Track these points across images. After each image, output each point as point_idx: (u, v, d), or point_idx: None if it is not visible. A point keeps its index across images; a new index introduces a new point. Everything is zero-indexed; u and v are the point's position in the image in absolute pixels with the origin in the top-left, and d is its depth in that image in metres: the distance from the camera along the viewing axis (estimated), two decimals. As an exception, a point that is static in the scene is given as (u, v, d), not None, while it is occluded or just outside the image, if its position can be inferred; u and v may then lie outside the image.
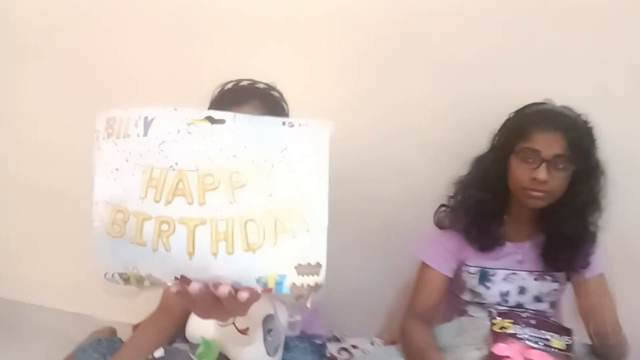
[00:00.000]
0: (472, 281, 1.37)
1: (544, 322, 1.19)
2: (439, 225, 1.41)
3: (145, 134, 0.73)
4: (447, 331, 1.32)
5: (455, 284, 1.41)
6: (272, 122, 0.75)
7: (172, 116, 0.74)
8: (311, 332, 1.43)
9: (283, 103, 1.24)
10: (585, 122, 1.28)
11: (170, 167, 0.72)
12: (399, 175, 1.58)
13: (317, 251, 0.73)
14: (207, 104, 1.22)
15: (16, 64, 1.79)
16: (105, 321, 1.63)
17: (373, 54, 1.52)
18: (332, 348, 1.49)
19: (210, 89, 1.23)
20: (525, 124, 1.26)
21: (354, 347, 1.53)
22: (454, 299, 1.43)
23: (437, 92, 1.51)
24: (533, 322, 1.19)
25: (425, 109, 1.53)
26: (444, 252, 1.37)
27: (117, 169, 0.74)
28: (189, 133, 0.73)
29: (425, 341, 1.26)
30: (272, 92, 1.22)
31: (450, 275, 1.38)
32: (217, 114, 0.74)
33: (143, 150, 0.73)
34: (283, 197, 0.73)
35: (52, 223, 1.89)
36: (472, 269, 1.36)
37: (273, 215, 0.72)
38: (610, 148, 1.33)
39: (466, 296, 1.39)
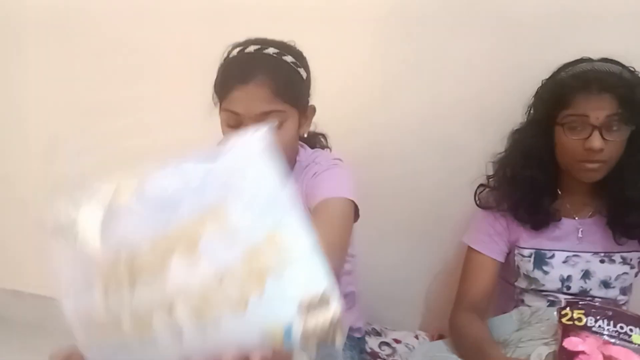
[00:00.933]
0: (526, 265, 1.22)
1: (622, 314, 1.04)
2: (483, 206, 1.26)
3: None
4: (505, 324, 1.17)
5: (507, 270, 1.27)
6: (200, 170, 0.64)
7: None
8: (348, 326, 1.30)
9: (299, 69, 1.08)
10: (632, 74, 1.11)
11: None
12: (441, 153, 1.45)
13: (315, 279, 0.60)
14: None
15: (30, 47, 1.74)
16: None
17: (416, 15, 1.38)
18: (372, 343, 1.37)
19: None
20: (564, 90, 1.11)
21: (397, 341, 1.40)
22: (507, 287, 1.29)
23: (488, 58, 1.37)
24: (609, 313, 1.03)
25: (473, 76, 1.39)
26: (492, 234, 1.24)
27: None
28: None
29: (481, 335, 1.13)
30: (283, 59, 1.06)
31: (502, 259, 1.24)
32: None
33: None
34: (249, 238, 0.60)
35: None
36: (526, 252, 1.22)
37: (248, 262, 0.60)
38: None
39: (521, 283, 1.24)
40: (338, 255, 1.02)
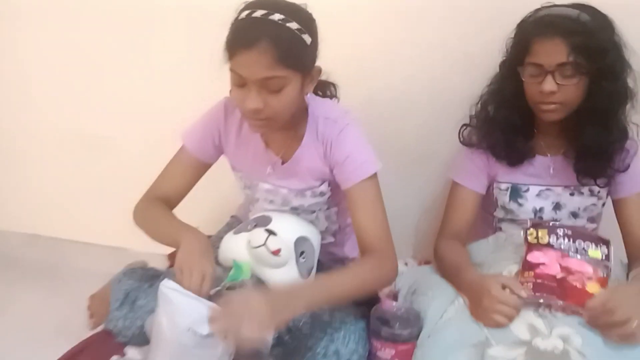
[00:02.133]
0: (503, 198, 1.34)
1: (580, 233, 1.17)
2: (466, 143, 1.38)
3: None
4: (482, 248, 1.32)
5: (487, 202, 1.40)
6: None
7: None
8: (343, 255, 1.45)
9: (304, 35, 1.12)
10: (596, 18, 1.17)
11: None
12: (428, 94, 1.56)
13: None
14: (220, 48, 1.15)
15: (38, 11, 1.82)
16: (140, 253, 1.68)
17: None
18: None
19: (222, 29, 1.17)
20: (525, 36, 1.21)
21: (389, 268, 1.54)
22: (487, 217, 1.42)
23: (471, 4, 1.47)
24: (570, 232, 1.16)
25: (455, 23, 1.49)
26: (474, 169, 1.36)
27: None
28: None
29: (460, 258, 1.26)
30: (288, 25, 1.10)
31: (483, 192, 1.37)
32: None
33: None
34: None
35: (83, 165, 1.97)
36: (503, 185, 1.34)
37: None
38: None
39: (499, 213, 1.37)
40: (385, 227, 1.24)
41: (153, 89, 1.79)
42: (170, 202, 1.33)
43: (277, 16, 1.09)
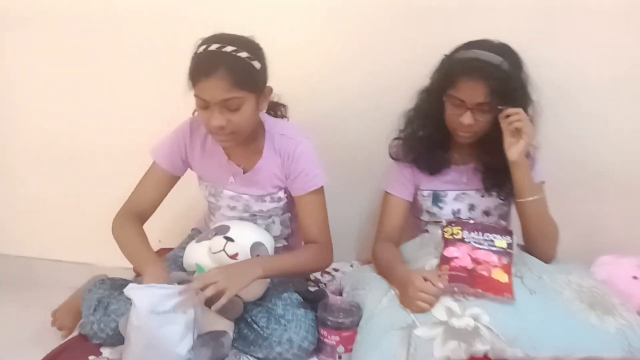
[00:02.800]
0: (426, 203, 1.56)
1: (488, 226, 1.39)
2: (395, 157, 1.57)
3: None
4: (410, 247, 1.53)
5: (415, 208, 1.61)
6: None
7: None
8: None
9: (253, 62, 1.33)
10: (513, 63, 1.37)
11: None
12: (371, 114, 1.77)
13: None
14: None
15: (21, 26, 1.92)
16: (105, 268, 1.79)
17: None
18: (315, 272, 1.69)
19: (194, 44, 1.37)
20: (452, 72, 1.39)
21: (335, 270, 1.74)
22: (416, 221, 1.63)
23: (410, 34, 1.69)
24: (479, 226, 1.38)
25: (397, 50, 1.71)
26: (402, 180, 1.56)
27: None
28: None
29: (391, 256, 1.46)
30: (239, 55, 1.31)
31: (410, 199, 1.57)
32: None
33: None
34: None
35: (51, 183, 2.06)
36: (425, 192, 1.56)
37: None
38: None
39: (425, 217, 1.59)
40: (326, 228, 1.51)
41: (122, 111, 1.92)
42: (145, 214, 1.52)
43: (229, 48, 1.31)
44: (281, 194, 1.52)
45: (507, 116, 1.35)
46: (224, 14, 1.74)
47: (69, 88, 1.94)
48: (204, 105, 1.32)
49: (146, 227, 1.51)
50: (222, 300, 1.22)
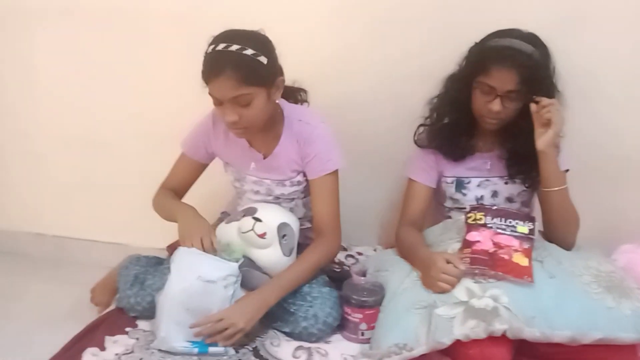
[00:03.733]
0: (450, 189, 1.60)
1: (510, 213, 1.43)
2: (419, 144, 1.61)
3: None
4: (433, 232, 1.57)
5: (439, 194, 1.65)
6: None
7: None
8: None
9: (260, 57, 1.37)
10: (543, 53, 1.40)
11: None
12: (391, 102, 1.80)
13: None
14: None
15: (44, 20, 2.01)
16: (137, 248, 1.88)
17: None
18: (339, 256, 1.74)
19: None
20: (483, 59, 1.42)
21: (359, 253, 1.79)
22: (439, 207, 1.67)
23: (428, 21, 1.71)
24: (502, 212, 1.42)
25: (413, 40, 1.73)
26: (425, 167, 1.60)
27: None
28: None
29: (415, 240, 1.51)
30: (244, 53, 1.35)
31: (434, 186, 1.61)
32: None
33: None
34: None
35: (87, 166, 2.16)
36: (449, 179, 1.59)
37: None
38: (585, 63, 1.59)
39: (448, 203, 1.62)
40: (336, 214, 1.54)
41: (151, 96, 2.00)
42: (178, 194, 1.63)
43: (234, 47, 1.36)
44: (300, 178, 1.57)
45: (542, 106, 1.37)
46: (240, 2, 1.79)
47: (102, 78, 2.03)
48: (217, 102, 1.41)
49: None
50: (237, 338, 1.32)
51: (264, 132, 1.53)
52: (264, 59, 1.38)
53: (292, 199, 1.60)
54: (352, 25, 1.78)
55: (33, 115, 2.16)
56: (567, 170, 1.51)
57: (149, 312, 1.44)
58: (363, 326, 1.40)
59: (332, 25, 1.79)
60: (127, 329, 1.44)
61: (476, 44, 1.48)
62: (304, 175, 1.57)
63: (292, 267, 1.44)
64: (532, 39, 1.41)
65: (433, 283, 1.32)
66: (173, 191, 1.63)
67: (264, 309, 1.35)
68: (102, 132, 2.10)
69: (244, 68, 1.35)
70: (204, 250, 1.38)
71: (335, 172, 1.53)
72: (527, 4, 1.63)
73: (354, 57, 1.80)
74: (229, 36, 1.39)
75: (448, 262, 1.32)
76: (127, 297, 1.49)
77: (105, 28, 1.97)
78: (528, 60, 1.37)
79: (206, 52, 1.40)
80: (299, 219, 1.56)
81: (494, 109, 1.41)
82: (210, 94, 1.40)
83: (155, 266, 1.58)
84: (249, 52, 1.36)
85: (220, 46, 1.37)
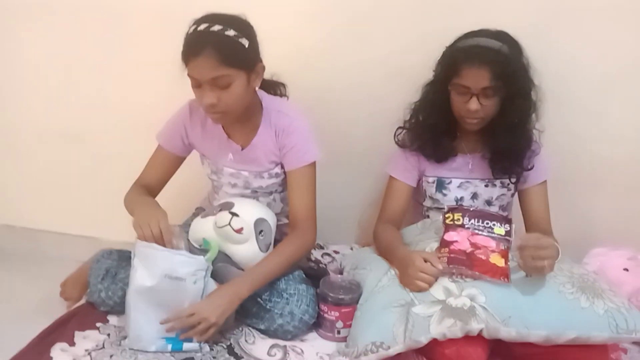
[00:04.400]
0: (430, 189, 1.60)
1: (488, 214, 1.44)
2: (400, 145, 1.62)
3: None
4: (412, 231, 1.57)
5: (418, 193, 1.65)
6: None
7: None
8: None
9: (241, 39, 1.36)
10: (512, 48, 1.42)
11: None
12: (369, 103, 1.80)
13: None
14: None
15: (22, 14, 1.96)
16: (110, 242, 1.83)
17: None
18: (316, 254, 1.74)
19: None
20: (455, 61, 1.43)
21: (336, 252, 1.78)
22: (418, 206, 1.68)
23: (406, 25, 1.71)
24: (479, 213, 1.43)
25: (394, 41, 1.73)
26: (407, 166, 1.60)
27: None
28: None
29: (393, 238, 1.51)
30: (226, 33, 1.34)
31: (414, 185, 1.62)
32: None
33: None
34: None
35: (60, 159, 2.10)
36: (430, 179, 1.60)
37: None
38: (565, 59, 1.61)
39: (427, 203, 1.63)
40: (312, 207, 1.52)
41: (126, 89, 1.95)
42: (153, 190, 1.57)
43: (216, 27, 1.35)
44: (278, 170, 1.56)
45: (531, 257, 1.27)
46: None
47: (77, 72, 1.98)
48: (196, 83, 1.37)
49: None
50: (210, 332, 1.29)
51: (242, 123, 1.51)
52: (245, 42, 1.37)
53: (270, 193, 1.59)
54: (333, 23, 1.76)
55: (6, 107, 2.10)
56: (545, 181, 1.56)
57: (121, 307, 1.41)
58: (339, 324, 1.39)
59: (313, 21, 1.77)
60: (98, 324, 1.41)
61: (447, 47, 1.50)
62: (282, 167, 1.56)
63: (265, 260, 1.42)
64: (500, 36, 1.43)
65: (410, 281, 1.32)
66: (148, 187, 1.56)
67: (236, 302, 1.33)
68: (76, 125, 2.04)
69: (224, 48, 1.33)
70: (153, 237, 1.30)
71: (313, 165, 1.53)
72: (503, 8, 1.64)
73: (334, 55, 1.79)
74: (211, 18, 1.37)
75: (426, 260, 1.32)
76: (97, 291, 1.46)
77: (83, 21, 1.91)
78: (497, 56, 1.39)
79: (187, 33, 1.38)
80: (276, 214, 1.54)
81: (471, 108, 1.42)
82: (189, 75, 1.37)
83: (128, 260, 1.51)
84: (231, 32, 1.35)
85: (202, 26, 1.35)
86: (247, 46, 1.37)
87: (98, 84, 1.98)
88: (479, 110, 1.43)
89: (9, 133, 2.13)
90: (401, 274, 1.37)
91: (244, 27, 1.40)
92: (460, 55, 1.43)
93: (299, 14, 1.77)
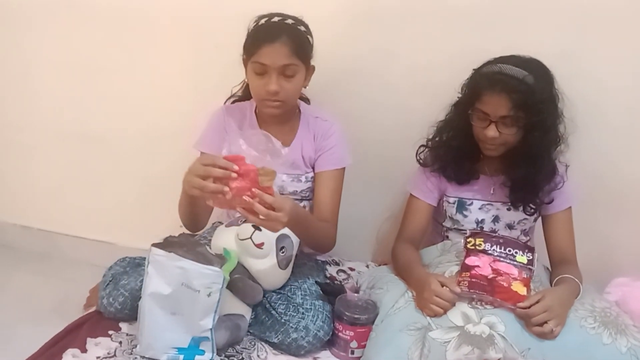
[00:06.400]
0: (451, 210, 1.58)
1: (511, 241, 1.42)
2: (422, 163, 1.60)
3: None
4: (431, 252, 1.55)
5: (438, 213, 1.63)
6: None
7: None
8: (317, 253, 1.68)
9: (308, 36, 1.49)
10: (540, 78, 1.38)
11: None
12: (393, 117, 1.79)
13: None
14: (224, 46, 1.47)
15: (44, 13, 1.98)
16: (125, 248, 1.84)
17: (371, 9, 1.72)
18: (331, 270, 1.71)
19: (225, 32, 1.45)
20: (478, 85, 1.42)
21: (351, 269, 1.75)
22: (437, 226, 1.66)
23: (439, 41, 1.71)
24: (501, 240, 1.41)
25: (424, 56, 1.72)
26: (428, 185, 1.58)
27: None
28: None
29: (411, 258, 1.49)
30: (299, 27, 1.46)
31: (434, 204, 1.60)
32: None
33: None
34: None
35: (79, 161, 2.11)
36: (451, 199, 1.58)
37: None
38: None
39: (447, 223, 1.61)
40: (337, 209, 1.58)
41: (149, 92, 1.96)
42: None
43: (290, 21, 1.48)
44: (312, 174, 1.61)
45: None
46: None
47: (99, 73, 1.99)
48: (262, 71, 1.43)
49: (170, 217, 1.53)
50: (277, 226, 1.28)
51: (280, 125, 1.56)
52: (311, 39, 1.50)
53: (302, 200, 1.61)
54: (358, 37, 1.76)
55: (26, 108, 2.12)
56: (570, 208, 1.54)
57: (121, 314, 1.40)
58: (354, 344, 1.37)
59: (340, 34, 1.76)
60: (110, 332, 1.39)
61: (474, 70, 1.48)
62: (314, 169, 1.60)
63: (307, 212, 1.50)
64: (529, 64, 1.40)
65: (425, 304, 1.30)
66: None
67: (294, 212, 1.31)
68: (96, 128, 2.06)
69: (298, 39, 1.44)
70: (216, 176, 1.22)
71: (343, 170, 1.58)
72: (532, 32, 1.62)
73: (359, 69, 1.78)
74: (280, 14, 1.47)
75: (443, 285, 1.30)
76: (101, 297, 1.44)
77: (102, 21, 1.93)
78: (519, 85, 1.36)
79: (256, 24, 1.47)
80: None
81: (489, 135, 1.41)
82: (255, 61, 1.42)
83: (135, 267, 1.52)
84: (302, 28, 1.48)
85: (276, 19, 1.45)
86: (311, 43, 1.50)
87: (120, 86, 1.99)
88: (496, 137, 1.41)
89: (28, 133, 2.15)
90: (417, 296, 1.35)
91: (307, 26, 1.51)
92: (483, 81, 1.42)
93: (323, 25, 1.71)
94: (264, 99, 1.47)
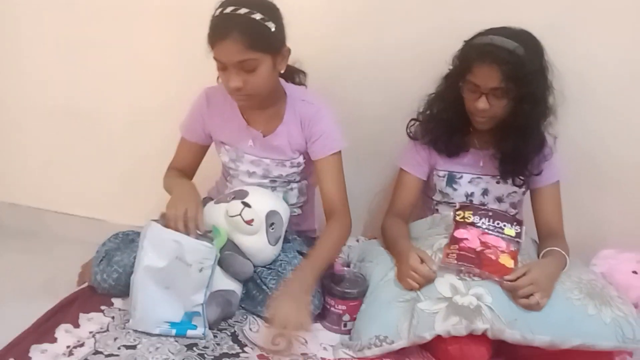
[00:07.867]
0: (441, 183, 1.59)
1: (499, 214, 1.43)
2: (412, 137, 1.60)
3: None
4: (421, 225, 1.57)
5: (428, 187, 1.64)
6: None
7: None
8: (307, 227, 1.70)
9: (267, 22, 1.36)
10: (530, 50, 1.38)
11: None
12: (383, 91, 1.78)
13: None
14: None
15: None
16: (118, 225, 1.78)
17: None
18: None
19: (214, 9, 1.38)
20: (468, 57, 1.41)
21: (342, 244, 1.76)
22: (427, 200, 1.67)
23: (429, 13, 1.69)
24: (490, 213, 1.42)
25: (415, 28, 1.71)
26: (418, 159, 1.59)
27: None
28: None
29: (398, 231, 1.50)
30: (252, 17, 1.33)
31: (424, 178, 1.60)
32: None
33: None
34: None
35: (68, 138, 2.09)
36: (441, 173, 1.58)
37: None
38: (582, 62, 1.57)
39: (437, 197, 1.62)
40: (345, 192, 1.54)
41: (137, 67, 1.94)
42: (187, 175, 1.62)
43: (243, 10, 1.34)
44: (300, 159, 1.56)
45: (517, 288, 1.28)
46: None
47: (89, 51, 1.96)
48: (221, 67, 1.37)
49: (159, 194, 1.55)
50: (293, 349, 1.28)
51: (264, 109, 1.51)
52: (272, 25, 1.37)
53: (289, 182, 1.59)
54: (347, 12, 1.74)
55: (14, 85, 2.09)
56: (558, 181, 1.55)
57: (115, 290, 1.40)
58: (346, 317, 1.38)
59: (327, 9, 1.74)
60: (103, 307, 1.40)
61: (465, 42, 1.47)
62: (304, 157, 1.56)
63: (318, 248, 1.42)
64: (520, 36, 1.39)
65: (402, 278, 1.33)
66: (182, 172, 1.61)
67: (309, 298, 1.30)
68: (85, 104, 2.03)
69: (251, 32, 1.33)
70: (184, 226, 1.32)
71: (340, 154, 1.54)
72: (523, 5, 1.61)
73: (347, 44, 1.76)
74: (238, 0, 1.36)
75: (422, 261, 1.32)
76: (94, 273, 1.43)
77: (91, 3, 1.90)
78: (510, 57, 1.35)
79: (213, 15, 1.37)
80: (291, 205, 1.54)
81: (479, 107, 1.41)
82: (215, 58, 1.37)
83: (128, 243, 1.51)
84: (257, 16, 1.34)
85: (228, 9, 1.35)
86: (273, 30, 1.37)
87: (109, 63, 1.96)
88: (487, 109, 1.41)
89: (16, 109, 2.12)
90: (397, 269, 1.38)
91: (270, 9, 1.39)
92: (473, 53, 1.41)
93: (311, 5, 1.74)
94: (230, 94, 1.43)
